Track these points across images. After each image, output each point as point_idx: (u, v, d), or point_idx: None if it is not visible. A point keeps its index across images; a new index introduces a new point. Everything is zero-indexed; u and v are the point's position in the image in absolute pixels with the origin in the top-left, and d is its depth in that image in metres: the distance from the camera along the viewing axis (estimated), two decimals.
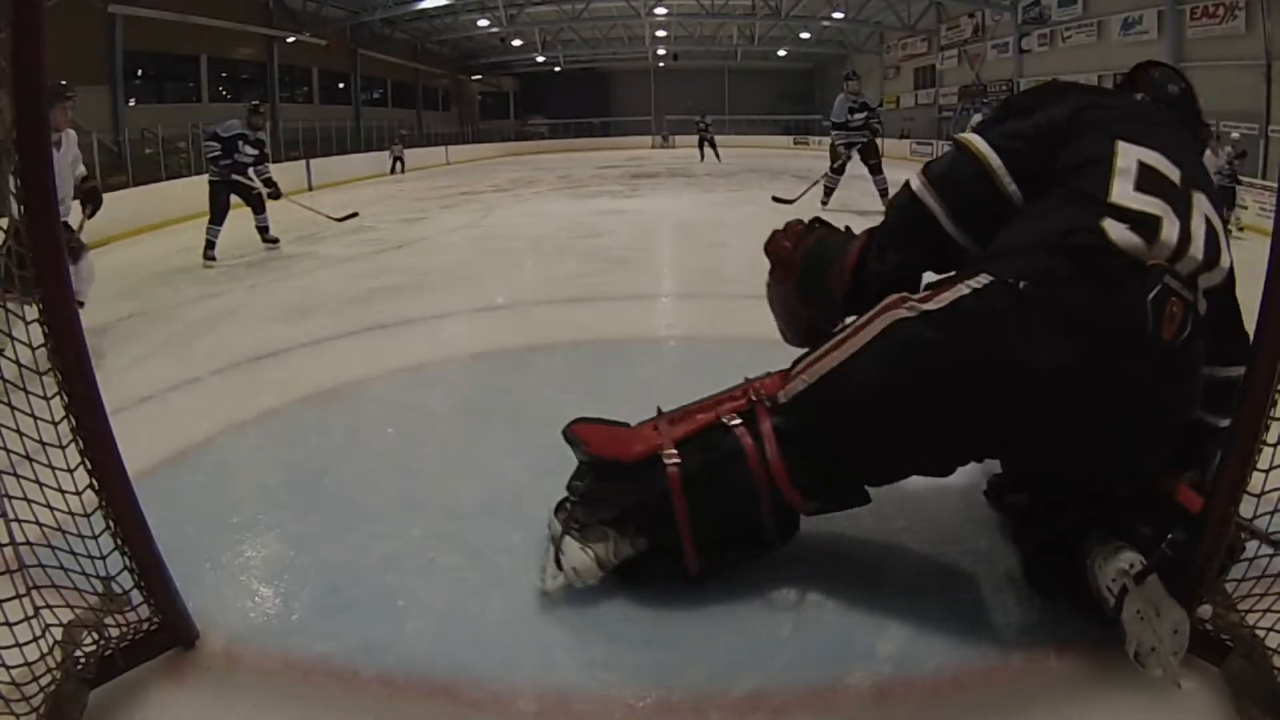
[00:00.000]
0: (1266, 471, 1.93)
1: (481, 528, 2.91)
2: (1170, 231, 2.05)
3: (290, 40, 26.05)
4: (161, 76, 22.14)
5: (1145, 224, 2.05)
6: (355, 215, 9.82)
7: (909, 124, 33.47)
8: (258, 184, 10.00)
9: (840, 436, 2.30)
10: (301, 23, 26.44)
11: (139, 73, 20.78)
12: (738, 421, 2.41)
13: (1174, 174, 2.17)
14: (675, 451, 2.41)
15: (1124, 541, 2.11)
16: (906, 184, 2.49)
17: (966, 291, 2.10)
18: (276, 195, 10.15)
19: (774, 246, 2.91)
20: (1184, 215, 2.10)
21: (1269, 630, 1.97)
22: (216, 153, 9.62)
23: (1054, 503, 2.39)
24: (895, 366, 2.17)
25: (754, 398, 2.46)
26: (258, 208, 10.11)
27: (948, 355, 2.09)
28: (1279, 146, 16.08)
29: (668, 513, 2.36)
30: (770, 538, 2.46)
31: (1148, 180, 2.13)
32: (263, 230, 10.16)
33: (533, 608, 2.44)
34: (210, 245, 9.25)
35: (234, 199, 9.76)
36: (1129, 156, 2.17)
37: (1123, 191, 2.10)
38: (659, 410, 2.67)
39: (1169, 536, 2.03)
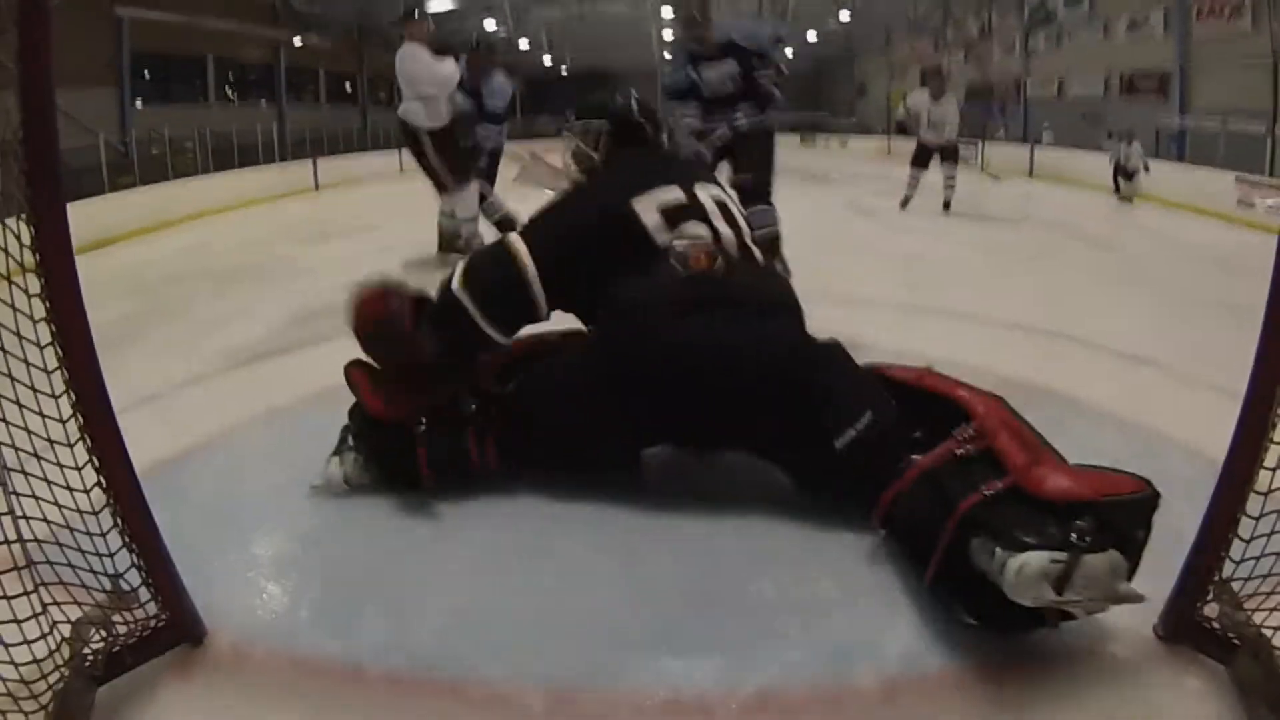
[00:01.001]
0: (1273, 470, 1.92)
1: (488, 526, 2.92)
2: (708, 234, 2.86)
3: (297, 41, 26.07)
4: (168, 78, 22.16)
5: (674, 226, 2.85)
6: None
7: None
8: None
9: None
10: (308, 24, 26.45)
11: (146, 74, 20.80)
12: (471, 406, 3.05)
13: (678, 194, 2.91)
14: (424, 424, 2.96)
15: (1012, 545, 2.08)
16: (448, 288, 2.93)
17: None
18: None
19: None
20: (704, 217, 2.90)
21: (1277, 630, 1.96)
22: None
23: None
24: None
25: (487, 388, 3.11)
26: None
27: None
28: None
29: (411, 459, 2.97)
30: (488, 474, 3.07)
31: (676, 214, 2.88)
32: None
33: (541, 606, 2.45)
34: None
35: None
36: (649, 211, 2.86)
37: (662, 238, 2.84)
38: None
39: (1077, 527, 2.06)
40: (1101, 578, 2.01)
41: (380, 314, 2.99)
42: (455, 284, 2.87)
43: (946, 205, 11.34)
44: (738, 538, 2.79)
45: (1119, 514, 2.13)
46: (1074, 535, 2.03)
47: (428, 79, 6.93)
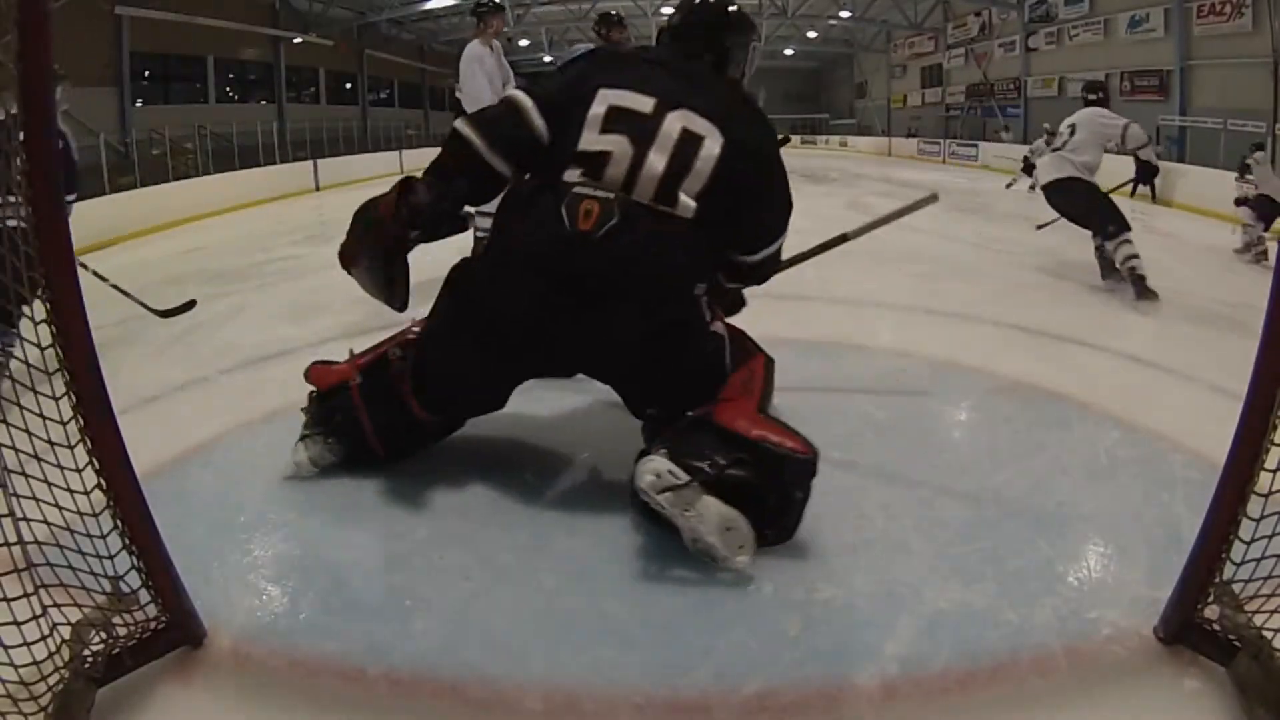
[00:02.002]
0: (1274, 472, 1.92)
1: (489, 527, 2.91)
2: (620, 161, 2.64)
3: (297, 41, 26.09)
4: (168, 77, 22.20)
5: (595, 161, 2.64)
6: (191, 305, 6.27)
7: (916, 123, 33.47)
8: None
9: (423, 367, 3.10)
10: (308, 23, 26.48)
11: (146, 74, 20.83)
12: (399, 354, 3.19)
13: (645, 104, 2.72)
14: (359, 379, 3.19)
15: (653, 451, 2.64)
16: (453, 127, 2.93)
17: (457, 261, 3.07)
18: None
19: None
20: (646, 141, 2.65)
21: (1277, 631, 1.96)
22: None
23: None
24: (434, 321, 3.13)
25: (409, 337, 3.23)
26: None
27: (452, 311, 3.03)
28: None
29: (356, 420, 3.16)
30: (433, 432, 3.31)
31: (618, 120, 2.69)
32: None
33: (540, 607, 2.45)
34: None
35: None
36: (602, 103, 2.73)
37: (588, 139, 2.69)
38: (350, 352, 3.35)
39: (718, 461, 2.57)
40: (708, 517, 2.51)
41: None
42: (459, 123, 2.90)
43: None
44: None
45: (771, 463, 2.60)
46: (708, 465, 2.56)
47: (478, 89, 6.75)
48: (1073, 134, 7.04)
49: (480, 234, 7.60)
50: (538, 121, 2.80)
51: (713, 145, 2.69)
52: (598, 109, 2.72)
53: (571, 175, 2.65)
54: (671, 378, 2.88)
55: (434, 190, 2.88)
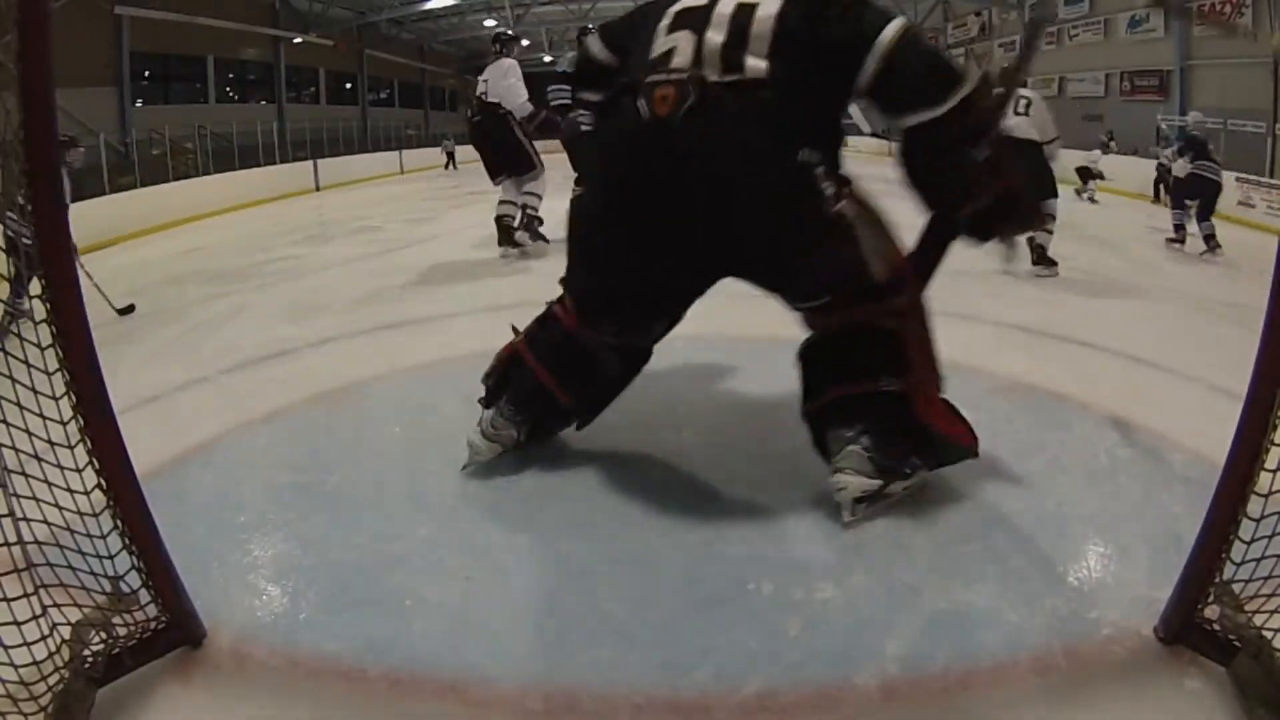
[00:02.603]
0: (1274, 471, 1.92)
1: (489, 527, 2.92)
2: (684, 50, 2.67)
3: (297, 41, 26.08)
4: (168, 77, 22.17)
5: (664, 59, 2.69)
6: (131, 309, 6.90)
7: None
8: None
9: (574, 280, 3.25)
10: (308, 23, 26.46)
11: (145, 74, 20.81)
12: (555, 303, 3.33)
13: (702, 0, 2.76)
14: (524, 339, 3.34)
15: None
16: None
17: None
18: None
19: None
20: (703, 25, 2.69)
21: (1277, 631, 1.96)
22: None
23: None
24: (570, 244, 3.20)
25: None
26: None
27: (578, 229, 3.13)
28: None
29: (535, 380, 3.24)
30: (612, 367, 3.29)
31: (679, 20, 2.76)
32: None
33: (540, 607, 2.46)
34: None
35: None
36: (669, 16, 2.81)
37: (656, 46, 2.76)
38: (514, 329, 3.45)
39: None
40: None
41: None
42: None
43: None
44: (739, 538, 2.79)
45: (944, 453, 2.95)
46: (905, 471, 2.90)
47: (524, 97, 8.43)
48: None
49: (531, 211, 8.65)
50: (598, 50, 3.18)
51: (770, 6, 2.66)
52: (665, 21, 2.80)
53: (646, 75, 2.69)
54: (799, 257, 2.80)
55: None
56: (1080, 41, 23.62)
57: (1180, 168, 9.74)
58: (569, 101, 6.87)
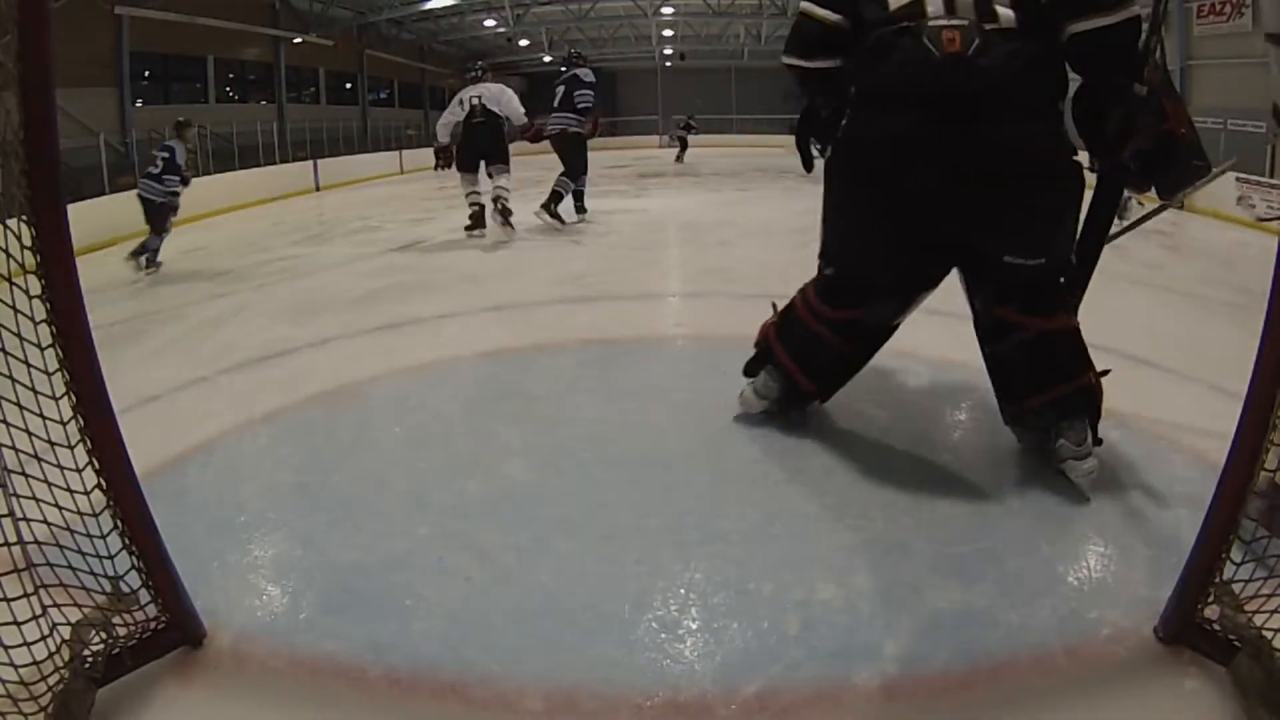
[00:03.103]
0: (1274, 472, 1.92)
1: (489, 527, 2.91)
2: (936, 1, 2.93)
3: (297, 41, 26.06)
4: (168, 77, 22.14)
5: (913, 8, 2.95)
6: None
7: None
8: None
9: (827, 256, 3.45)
10: (308, 23, 26.44)
11: (146, 74, 20.79)
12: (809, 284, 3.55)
13: None
14: (774, 326, 3.65)
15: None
16: (782, 62, 3.43)
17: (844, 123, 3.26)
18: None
19: None
20: None
21: (1277, 632, 1.96)
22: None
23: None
24: (830, 199, 3.34)
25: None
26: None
27: (839, 186, 3.30)
28: None
29: (776, 359, 3.58)
30: (848, 356, 3.53)
31: None
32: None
33: (540, 606, 2.45)
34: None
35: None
36: None
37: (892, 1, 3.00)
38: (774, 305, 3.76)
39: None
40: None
41: None
42: (784, 56, 3.44)
43: None
44: (739, 538, 2.80)
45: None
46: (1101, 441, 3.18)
47: (523, 110, 10.32)
48: None
49: (504, 200, 10.14)
50: (824, 13, 3.21)
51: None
52: None
53: (918, 21, 2.95)
54: (1040, 211, 3.02)
55: (809, 112, 3.62)
56: None
57: None
58: (591, 104, 10.67)
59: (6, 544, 1.75)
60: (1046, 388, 3.12)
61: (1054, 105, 2.99)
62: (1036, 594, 2.44)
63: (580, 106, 10.59)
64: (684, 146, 26.74)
